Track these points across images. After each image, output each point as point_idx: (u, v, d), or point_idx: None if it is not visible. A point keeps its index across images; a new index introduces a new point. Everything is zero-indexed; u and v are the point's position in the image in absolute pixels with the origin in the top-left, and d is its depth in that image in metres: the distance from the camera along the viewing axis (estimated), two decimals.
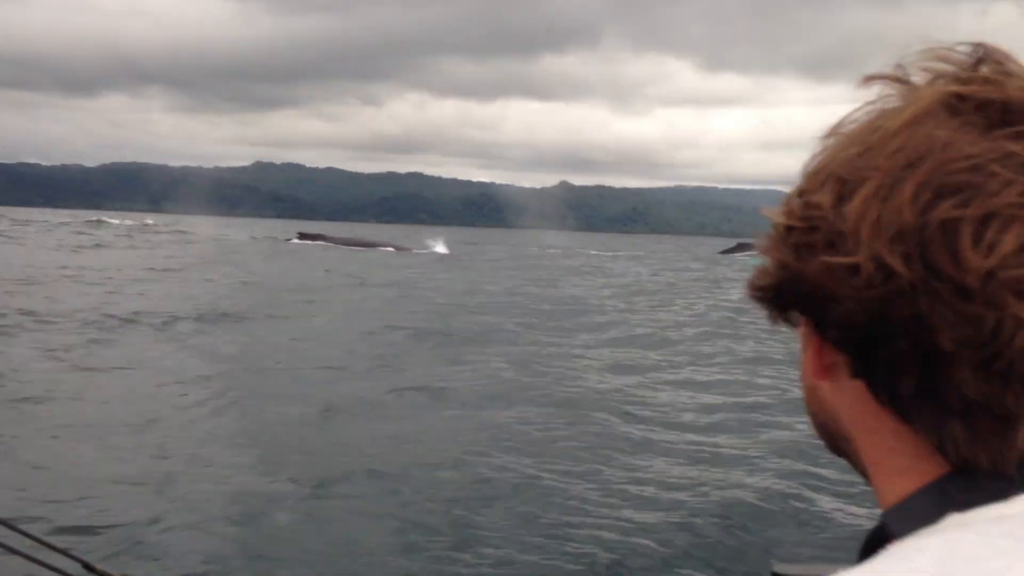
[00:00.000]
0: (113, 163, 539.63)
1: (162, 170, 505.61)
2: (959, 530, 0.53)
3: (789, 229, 0.61)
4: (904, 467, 0.61)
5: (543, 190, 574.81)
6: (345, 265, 39.56)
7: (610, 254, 76.04)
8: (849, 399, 0.64)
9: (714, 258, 77.81)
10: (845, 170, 0.59)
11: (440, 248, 60.55)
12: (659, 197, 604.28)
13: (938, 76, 0.58)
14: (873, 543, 0.60)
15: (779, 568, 1.51)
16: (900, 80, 0.60)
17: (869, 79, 0.61)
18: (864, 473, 0.66)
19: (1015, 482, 0.57)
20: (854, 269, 0.56)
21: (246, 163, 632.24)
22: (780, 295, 0.64)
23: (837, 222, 0.58)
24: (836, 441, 0.68)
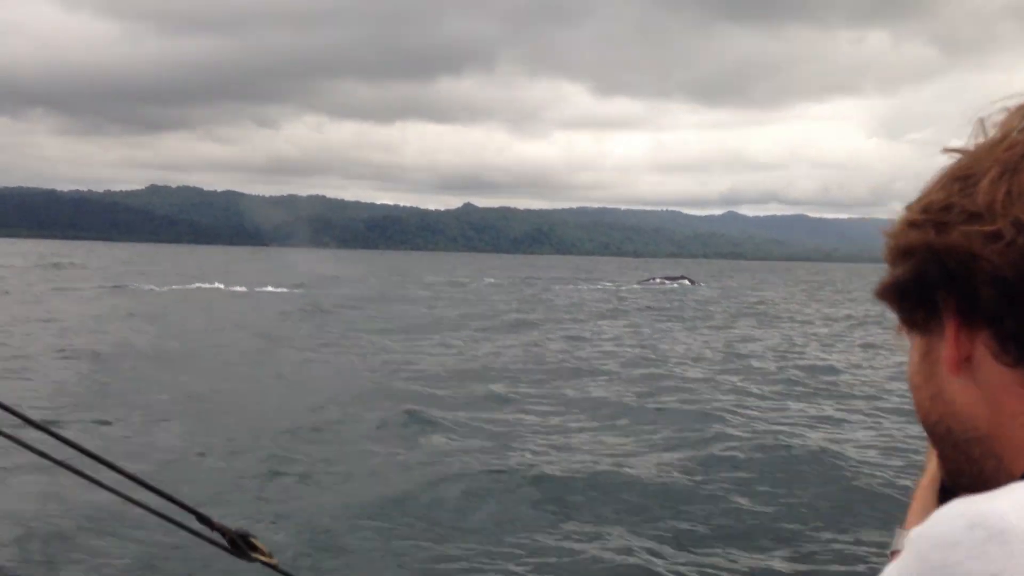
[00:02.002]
0: None
1: (50, 195, 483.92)
2: None
3: (916, 223, 0.68)
4: None
5: (447, 212, 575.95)
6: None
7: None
8: (988, 388, 0.66)
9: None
10: (962, 171, 0.67)
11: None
12: (563, 218, 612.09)
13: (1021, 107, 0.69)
14: None
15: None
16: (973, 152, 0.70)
17: (948, 150, 0.70)
18: (996, 475, 0.66)
19: None
20: (995, 235, 0.63)
21: (140, 187, 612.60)
22: (922, 277, 0.68)
23: (967, 205, 0.65)
24: (964, 448, 0.69)
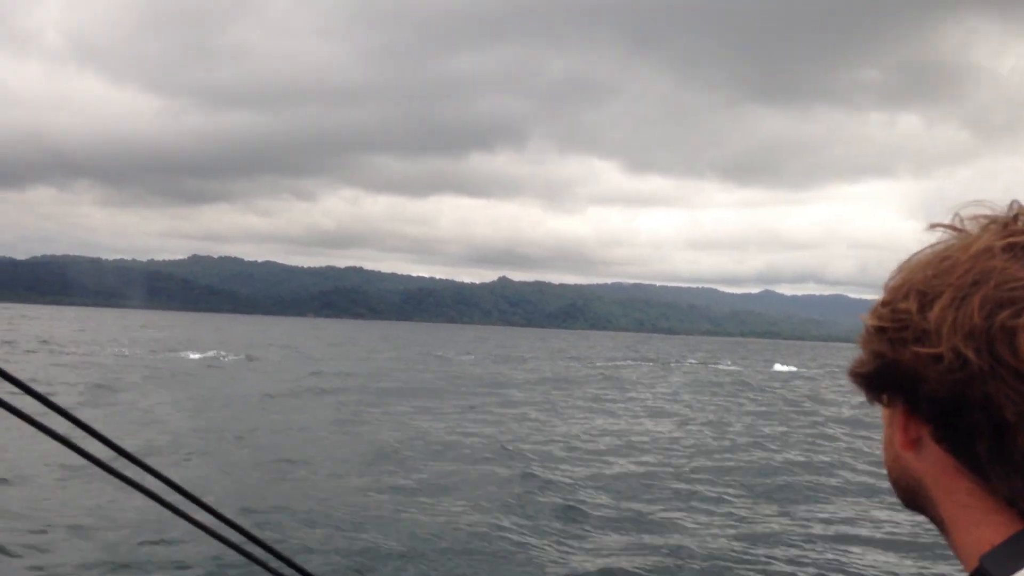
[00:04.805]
0: (44, 256, 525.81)
1: (94, 263, 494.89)
2: None
3: (882, 329, 0.82)
4: (977, 520, 0.78)
5: (483, 285, 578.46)
6: None
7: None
8: (930, 466, 0.83)
9: None
10: (924, 286, 0.80)
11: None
12: (597, 293, 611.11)
13: (991, 222, 0.81)
14: None
15: None
16: (956, 228, 0.83)
17: (934, 225, 0.84)
18: (941, 526, 0.85)
19: None
20: (938, 358, 0.76)
21: (182, 256, 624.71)
22: (878, 379, 0.83)
23: (921, 323, 0.78)
24: (917, 500, 0.87)
